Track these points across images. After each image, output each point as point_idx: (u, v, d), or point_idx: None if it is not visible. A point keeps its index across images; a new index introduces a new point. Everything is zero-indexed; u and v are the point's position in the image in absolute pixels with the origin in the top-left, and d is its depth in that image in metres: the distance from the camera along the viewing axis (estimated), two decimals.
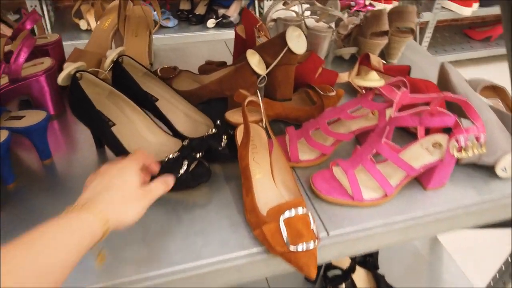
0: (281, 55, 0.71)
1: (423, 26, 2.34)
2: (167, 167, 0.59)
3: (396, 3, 1.96)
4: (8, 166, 0.60)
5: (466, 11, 2.32)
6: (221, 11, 2.23)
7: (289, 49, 0.71)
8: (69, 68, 0.60)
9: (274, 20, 0.98)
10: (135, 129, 0.68)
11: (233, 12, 2.24)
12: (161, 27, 2.18)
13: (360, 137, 0.75)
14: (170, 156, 0.61)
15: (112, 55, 0.67)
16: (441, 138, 0.65)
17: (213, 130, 0.68)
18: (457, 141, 0.60)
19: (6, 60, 0.74)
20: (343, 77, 0.90)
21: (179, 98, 0.73)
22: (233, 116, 0.72)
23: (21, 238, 0.37)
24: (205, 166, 0.64)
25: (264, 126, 0.68)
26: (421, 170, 0.62)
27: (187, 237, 0.57)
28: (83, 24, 1.89)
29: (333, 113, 0.69)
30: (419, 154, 0.64)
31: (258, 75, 0.73)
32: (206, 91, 0.77)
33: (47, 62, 0.74)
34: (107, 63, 0.67)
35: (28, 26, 0.77)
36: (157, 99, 0.73)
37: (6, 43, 0.77)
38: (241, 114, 0.69)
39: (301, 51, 0.72)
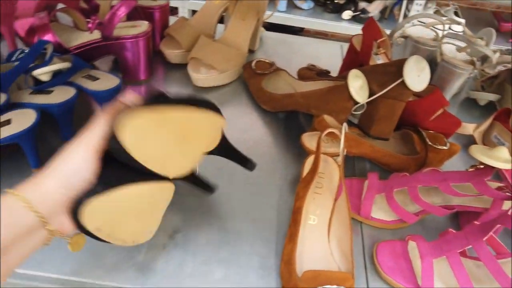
0: (391, 87, 0.58)
1: None
2: None
3: None
4: (68, 123, 0.59)
5: None
6: (362, 4, 2.06)
7: (403, 83, 0.57)
8: None
9: (404, 37, 0.82)
10: None
11: (374, 8, 2.05)
12: (295, 7, 2.10)
13: (461, 214, 0.58)
14: None
15: None
16: None
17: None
18: None
19: None
20: (468, 128, 0.72)
21: None
22: (309, 140, 0.61)
23: None
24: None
25: (339, 164, 0.56)
26: None
27: (207, 262, 0.50)
28: None
29: (432, 179, 0.54)
30: None
31: (356, 102, 0.61)
32: (292, 101, 0.67)
33: (144, 25, 0.71)
34: None
35: None
36: None
37: None
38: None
39: (418, 88, 0.58)
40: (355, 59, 0.74)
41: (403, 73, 0.56)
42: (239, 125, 0.70)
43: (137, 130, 0.36)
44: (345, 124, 0.54)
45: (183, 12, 1.99)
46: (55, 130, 0.62)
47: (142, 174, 0.39)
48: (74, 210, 0.36)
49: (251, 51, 0.88)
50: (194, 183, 0.52)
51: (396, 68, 0.58)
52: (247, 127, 0.70)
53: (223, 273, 0.49)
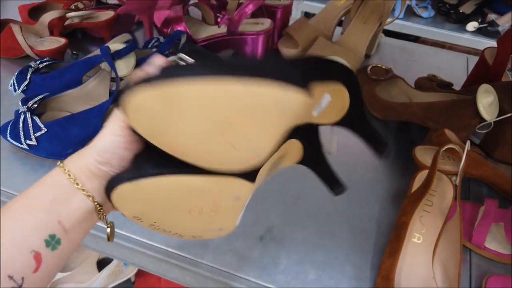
0: None
1: None
2: None
3: None
4: None
5: None
6: (491, 16, 1.87)
7: None
8: None
9: None
10: None
11: (505, 22, 1.85)
12: (414, 14, 1.99)
13: None
14: None
15: None
16: None
17: None
18: None
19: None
20: None
21: None
22: (422, 154, 0.58)
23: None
24: None
25: (456, 184, 0.52)
26: None
27: (301, 262, 0.50)
28: None
29: None
30: None
31: (482, 120, 0.56)
32: (408, 111, 0.64)
33: (266, 23, 0.73)
34: None
35: None
36: None
37: None
38: (433, 155, 0.55)
39: None
40: (484, 73, 0.67)
41: None
42: (344, 131, 0.69)
43: (143, 110, 0.27)
44: (468, 142, 0.49)
45: (296, 14, 2.02)
46: None
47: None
48: (107, 193, 0.31)
49: (367, 56, 0.85)
50: (321, 175, 0.44)
51: None
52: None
53: (316, 275, 0.49)
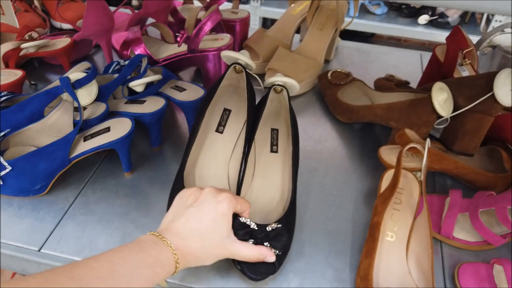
0: (479, 101, 0.55)
1: None
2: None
3: None
4: (157, 131, 0.64)
5: None
6: (441, 8, 1.96)
7: (493, 97, 0.54)
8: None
9: (493, 47, 0.77)
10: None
11: (454, 13, 1.95)
12: (368, 12, 2.06)
13: None
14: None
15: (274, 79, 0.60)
16: None
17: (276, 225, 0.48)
18: None
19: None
20: None
21: None
22: (387, 154, 0.60)
23: (99, 260, 0.36)
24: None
25: (420, 179, 0.55)
26: None
27: (283, 272, 0.51)
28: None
29: None
30: None
31: (439, 116, 0.59)
32: (370, 113, 0.66)
33: (226, 38, 0.74)
34: (265, 83, 0.61)
35: (222, 0, 0.79)
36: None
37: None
38: (397, 154, 0.57)
39: (510, 102, 0.55)
40: (437, 70, 0.71)
41: (494, 86, 0.53)
42: (313, 136, 0.71)
43: None
44: (428, 140, 0.52)
45: (255, 20, 2.04)
46: (143, 136, 0.68)
47: None
48: None
49: (326, 61, 0.88)
50: None
51: (485, 81, 0.55)
52: (322, 138, 0.71)
53: (298, 283, 0.50)
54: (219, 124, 0.60)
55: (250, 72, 0.59)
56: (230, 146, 0.59)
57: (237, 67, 0.59)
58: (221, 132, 0.60)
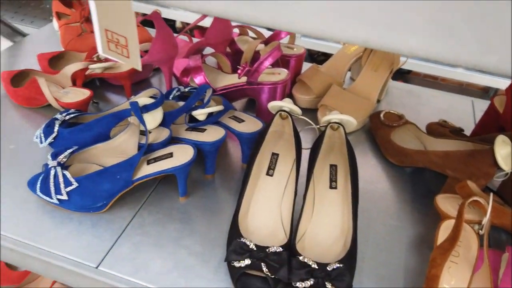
0: None
1: None
2: None
3: None
4: (213, 159, 0.65)
5: None
6: None
7: None
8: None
9: None
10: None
11: None
12: None
13: None
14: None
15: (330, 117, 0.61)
16: None
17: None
18: None
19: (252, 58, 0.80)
20: None
21: None
22: (444, 203, 0.60)
23: None
24: None
25: (480, 233, 0.54)
26: None
27: None
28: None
29: None
30: None
31: (499, 169, 0.58)
32: (425, 158, 0.66)
33: (283, 73, 0.76)
34: (322, 121, 0.63)
35: (283, 36, 0.81)
36: None
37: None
38: (454, 204, 0.57)
39: None
40: (494, 120, 0.70)
41: None
42: (364, 176, 0.71)
43: None
44: (491, 194, 0.52)
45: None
46: (197, 162, 0.69)
47: None
48: None
49: (377, 101, 0.88)
50: None
51: None
52: (373, 179, 0.71)
53: None
54: (269, 168, 0.62)
55: (297, 116, 0.62)
56: (281, 188, 0.60)
57: (282, 113, 0.61)
58: (271, 175, 0.61)
